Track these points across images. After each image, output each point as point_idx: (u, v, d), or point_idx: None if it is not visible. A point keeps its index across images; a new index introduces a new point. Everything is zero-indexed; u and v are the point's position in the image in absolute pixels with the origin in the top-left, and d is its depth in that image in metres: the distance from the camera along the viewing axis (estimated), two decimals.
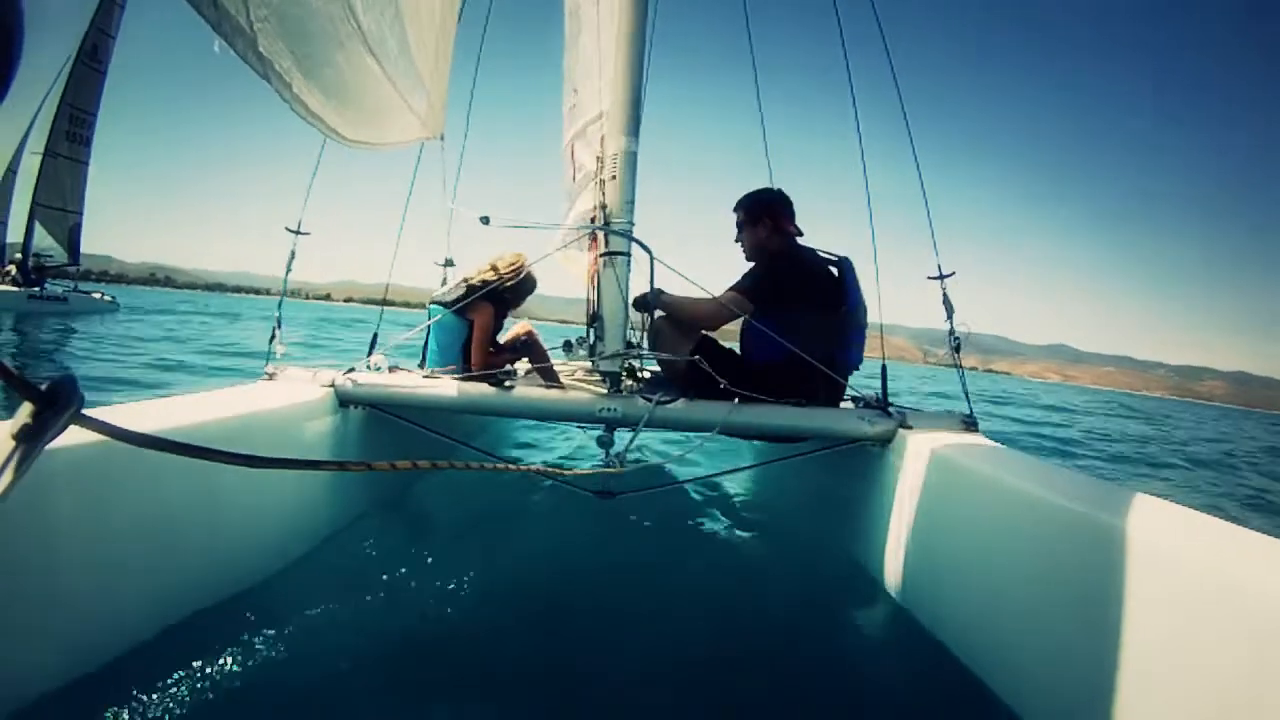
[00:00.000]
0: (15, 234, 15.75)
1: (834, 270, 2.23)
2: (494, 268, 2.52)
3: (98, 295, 16.83)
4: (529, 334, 2.70)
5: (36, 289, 14.75)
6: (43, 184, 15.54)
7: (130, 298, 30.01)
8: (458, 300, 2.43)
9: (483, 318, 2.47)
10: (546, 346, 2.64)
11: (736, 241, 2.38)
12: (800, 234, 2.28)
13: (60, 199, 15.94)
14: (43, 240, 15.69)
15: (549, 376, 2.43)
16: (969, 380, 2.22)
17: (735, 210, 2.36)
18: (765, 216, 2.26)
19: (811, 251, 2.25)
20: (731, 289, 2.15)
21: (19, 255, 15.10)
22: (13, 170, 16.01)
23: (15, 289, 14.28)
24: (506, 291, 2.53)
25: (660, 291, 2.10)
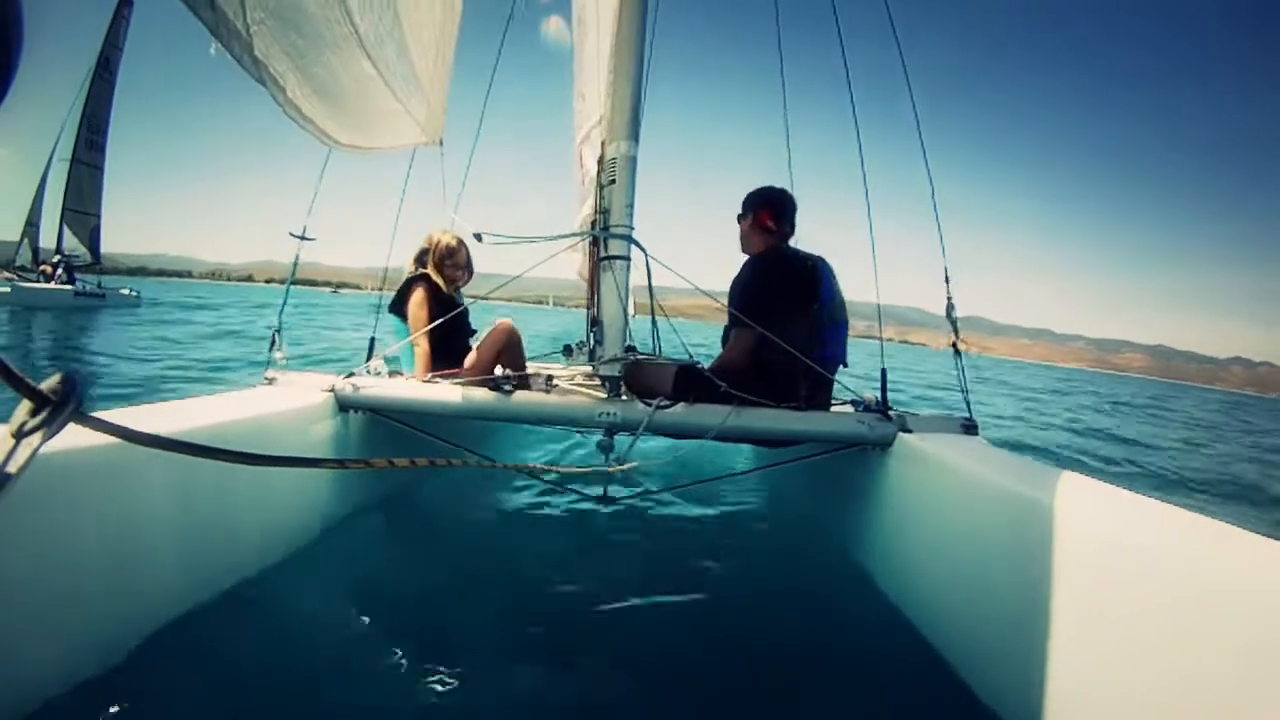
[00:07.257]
0: (45, 239, 17.18)
1: (811, 267, 2.20)
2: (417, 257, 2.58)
3: (125, 291, 18.35)
4: (508, 332, 2.49)
5: (80, 286, 16.29)
6: (70, 189, 17.01)
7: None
8: (393, 303, 2.48)
9: (413, 302, 2.45)
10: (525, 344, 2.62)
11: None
12: (788, 235, 2.28)
13: (82, 203, 17.44)
14: (68, 241, 17.16)
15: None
16: (875, 355, 2.28)
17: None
18: (752, 211, 2.27)
19: (794, 251, 2.26)
20: (735, 321, 2.11)
21: (57, 256, 16.58)
22: (43, 178, 17.31)
23: (64, 288, 15.76)
24: (435, 270, 2.53)
25: (695, 368, 2.04)
